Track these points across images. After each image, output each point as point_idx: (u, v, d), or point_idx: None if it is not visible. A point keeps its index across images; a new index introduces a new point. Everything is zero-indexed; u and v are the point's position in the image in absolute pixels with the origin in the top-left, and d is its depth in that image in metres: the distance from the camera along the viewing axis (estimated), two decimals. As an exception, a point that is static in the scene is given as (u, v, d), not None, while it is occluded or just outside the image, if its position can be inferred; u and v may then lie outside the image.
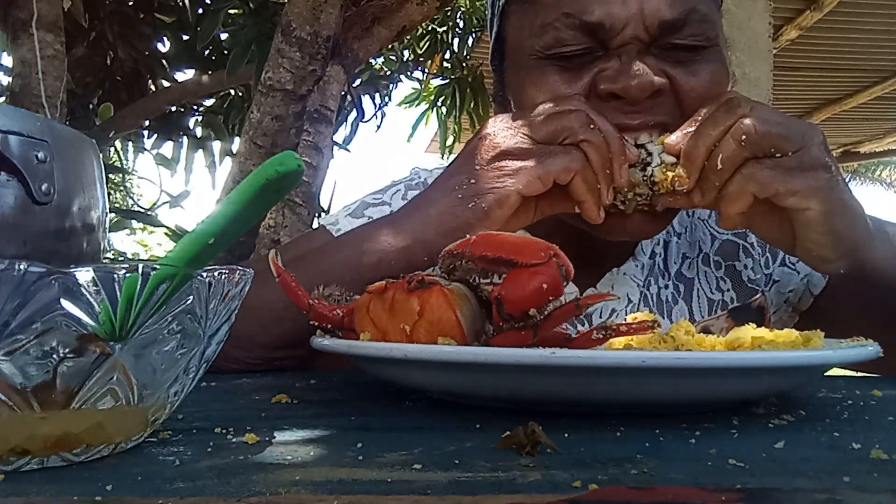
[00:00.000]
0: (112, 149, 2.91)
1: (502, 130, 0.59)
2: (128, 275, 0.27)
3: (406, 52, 3.24)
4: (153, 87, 2.86)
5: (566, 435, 0.34)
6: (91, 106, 2.79)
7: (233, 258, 1.79)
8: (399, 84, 3.24)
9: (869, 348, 0.41)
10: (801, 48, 3.87)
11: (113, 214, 2.65)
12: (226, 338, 0.34)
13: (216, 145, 3.04)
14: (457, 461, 0.29)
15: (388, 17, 2.10)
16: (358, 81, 2.90)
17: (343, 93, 2.10)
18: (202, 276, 0.30)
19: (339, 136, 2.79)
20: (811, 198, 0.54)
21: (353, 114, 2.91)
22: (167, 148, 3.12)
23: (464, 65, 3.29)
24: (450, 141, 3.46)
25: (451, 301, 0.39)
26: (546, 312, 0.38)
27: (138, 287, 0.27)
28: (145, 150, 3.12)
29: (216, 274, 0.30)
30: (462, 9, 3.27)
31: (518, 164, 0.57)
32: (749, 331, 0.47)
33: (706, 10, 0.62)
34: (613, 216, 0.61)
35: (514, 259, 0.38)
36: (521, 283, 0.38)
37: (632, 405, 0.39)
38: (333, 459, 0.29)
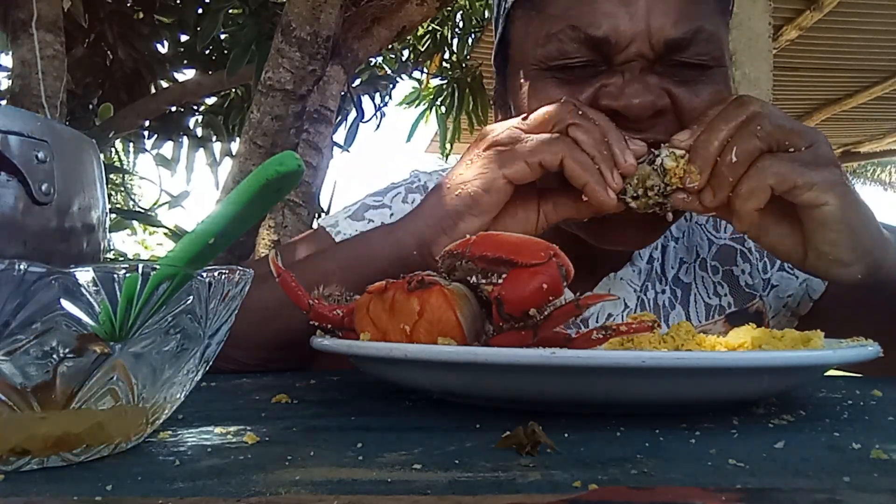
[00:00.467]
0: (112, 149, 2.91)
1: (496, 128, 0.59)
2: (128, 275, 0.27)
3: (406, 52, 3.24)
4: (153, 88, 2.86)
5: (566, 435, 0.34)
6: (91, 106, 2.79)
7: (233, 258, 1.79)
8: (399, 84, 3.24)
9: (869, 348, 0.41)
10: (801, 48, 3.87)
11: (113, 214, 2.65)
12: (226, 338, 0.34)
13: (216, 145, 3.04)
14: (457, 461, 0.29)
15: (388, 17, 2.10)
16: (358, 81, 2.90)
17: (343, 93, 2.10)
18: (202, 276, 0.30)
19: (339, 136, 2.80)
20: (829, 191, 0.53)
21: (353, 114, 2.91)
22: (167, 148, 3.13)
23: (463, 65, 3.29)
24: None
25: (451, 301, 0.39)
26: (546, 312, 0.38)
27: (138, 287, 0.27)
28: (145, 150, 3.12)
29: (216, 274, 0.30)
30: (462, 9, 3.27)
31: (505, 151, 0.57)
32: (749, 331, 0.47)
33: (713, 28, 0.61)
34: (610, 224, 0.60)
35: (514, 259, 0.38)
36: (521, 283, 0.38)
37: (632, 405, 0.39)
38: (333, 459, 0.29)
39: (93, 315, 0.27)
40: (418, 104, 3.64)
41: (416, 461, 0.29)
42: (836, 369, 0.49)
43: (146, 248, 5.80)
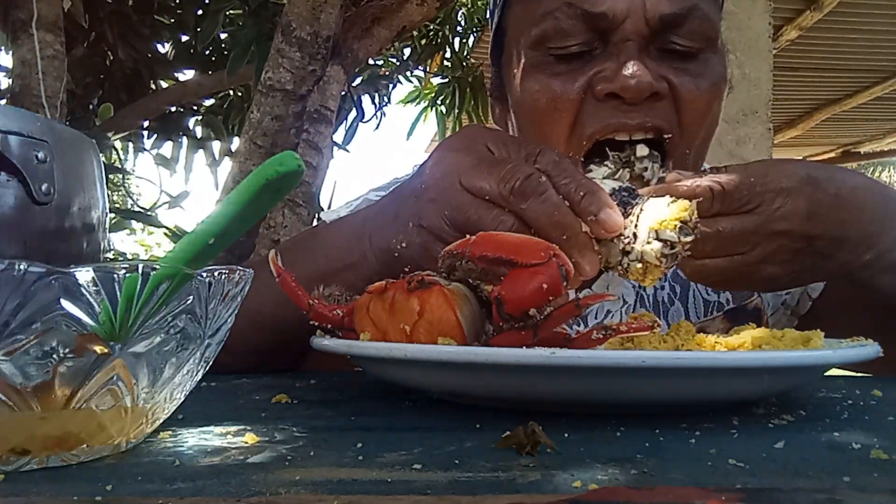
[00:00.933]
0: (112, 149, 2.91)
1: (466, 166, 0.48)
2: (128, 275, 0.27)
3: (406, 51, 3.24)
4: (153, 88, 2.86)
5: (566, 435, 0.34)
6: (91, 106, 2.79)
7: (233, 258, 1.79)
8: (399, 84, 3.24)
9: (869, 348, 0.41)
10: (801, 48, 3.86)
11: (113, 214, 2.65)
12: (225, 338, 0.34)
13: (216, 145, 3.04)
14: (457, 461, 0.29)
15: (388, 17, 2.10)
16: (358, 81, 2.90)
17: (343, 93, 2.10)
18: (202, 276, 0.30)
19: (339, 136, 2.79)
20: (777, 263, 0.50)
21: (353, 113, 2.91)
22: (167, 148, 3.12)
23: (464, 64, 3.29)
24: (449, 140, 3.45)
25: (451, 301, 0.39)
26: (546, 312, 0.38)
27: (138, 287, 0.27)
28: (145, 150, 3.12)
29: (216, 274, 0.30)
30: (463, 8, 3.27)
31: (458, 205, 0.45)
32: (750, 331, 0.47)
33: (707, 9, 0.62)
34: None
35: (514, 259, 0.38)
36: (521, 283, 0.38)
37: (632, 405, 0.39)
38: (333, 459, 0.29)
39: (93, 315, 0.27)
40: (419, 103, 3.63)
41: (416, 461, 0.29)
42: (836, 369, 0.49)
43: (146, 248, 5.80)
